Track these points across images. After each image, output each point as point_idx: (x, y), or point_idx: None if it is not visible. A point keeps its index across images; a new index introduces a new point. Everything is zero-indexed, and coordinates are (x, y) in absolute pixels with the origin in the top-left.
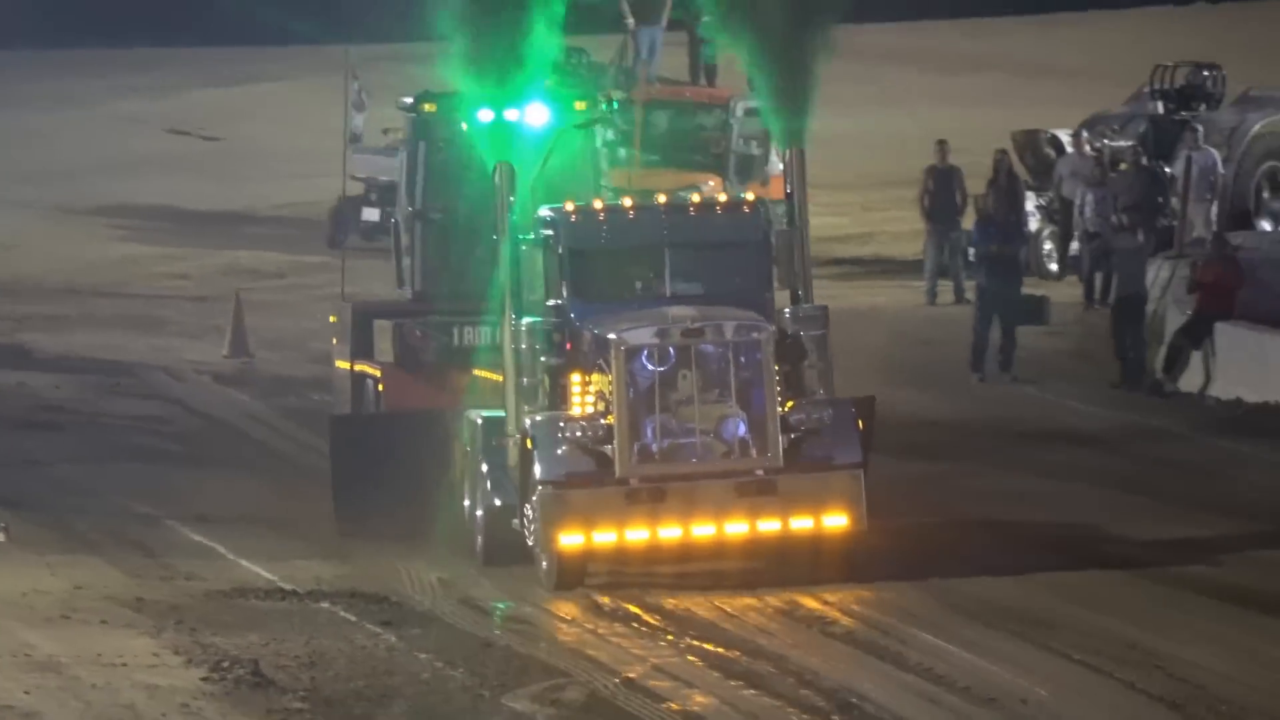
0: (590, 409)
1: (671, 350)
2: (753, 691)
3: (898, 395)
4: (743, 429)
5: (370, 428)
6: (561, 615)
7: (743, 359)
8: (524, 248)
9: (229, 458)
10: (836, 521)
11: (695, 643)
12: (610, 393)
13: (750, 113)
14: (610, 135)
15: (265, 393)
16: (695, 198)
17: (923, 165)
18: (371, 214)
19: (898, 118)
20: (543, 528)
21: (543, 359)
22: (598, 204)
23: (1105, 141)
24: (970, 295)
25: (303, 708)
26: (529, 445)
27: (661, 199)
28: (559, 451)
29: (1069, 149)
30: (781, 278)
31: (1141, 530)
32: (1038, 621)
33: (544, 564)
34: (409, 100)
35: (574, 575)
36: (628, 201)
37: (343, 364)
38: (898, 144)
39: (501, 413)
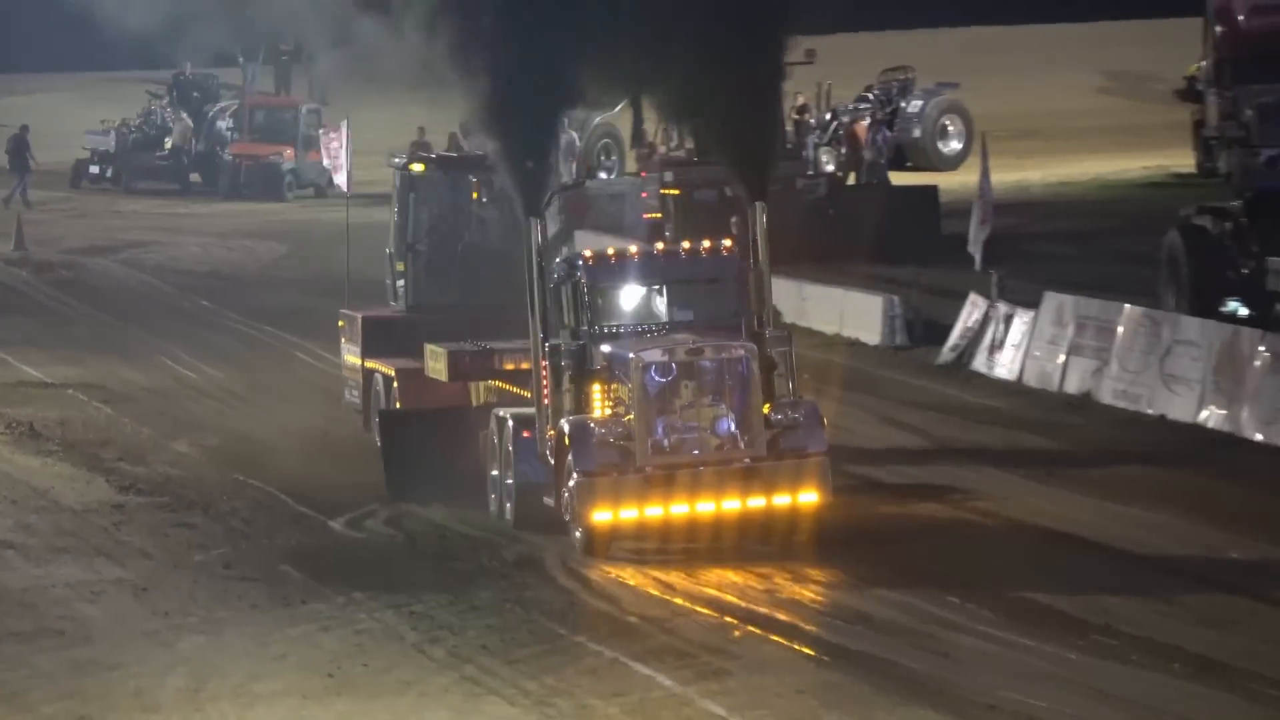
0: (610, 412)
1: (675, 365)
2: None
3: None
4: (731, 426)
5: (412, 420)
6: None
7: (733, 372)
8: (550, 285)
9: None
10: (809, 498)
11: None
12: (629, 399)
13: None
14: None
15: (36, 271)
16: (685, 244)
17: None
18: (94, 169)
19: None
20: (578, 507)
21: (569, 373)
22: (610, 250)
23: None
24: None
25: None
26: (566, 442)
27: (660, 246)
28: (590, 446)
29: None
30: (752, 306)
31: None
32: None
33: (577, 534)
34: (400, 160)
35: (603, 544)
36: (633, 248)
37: (354, 359)
38: None
39: (529, 412)
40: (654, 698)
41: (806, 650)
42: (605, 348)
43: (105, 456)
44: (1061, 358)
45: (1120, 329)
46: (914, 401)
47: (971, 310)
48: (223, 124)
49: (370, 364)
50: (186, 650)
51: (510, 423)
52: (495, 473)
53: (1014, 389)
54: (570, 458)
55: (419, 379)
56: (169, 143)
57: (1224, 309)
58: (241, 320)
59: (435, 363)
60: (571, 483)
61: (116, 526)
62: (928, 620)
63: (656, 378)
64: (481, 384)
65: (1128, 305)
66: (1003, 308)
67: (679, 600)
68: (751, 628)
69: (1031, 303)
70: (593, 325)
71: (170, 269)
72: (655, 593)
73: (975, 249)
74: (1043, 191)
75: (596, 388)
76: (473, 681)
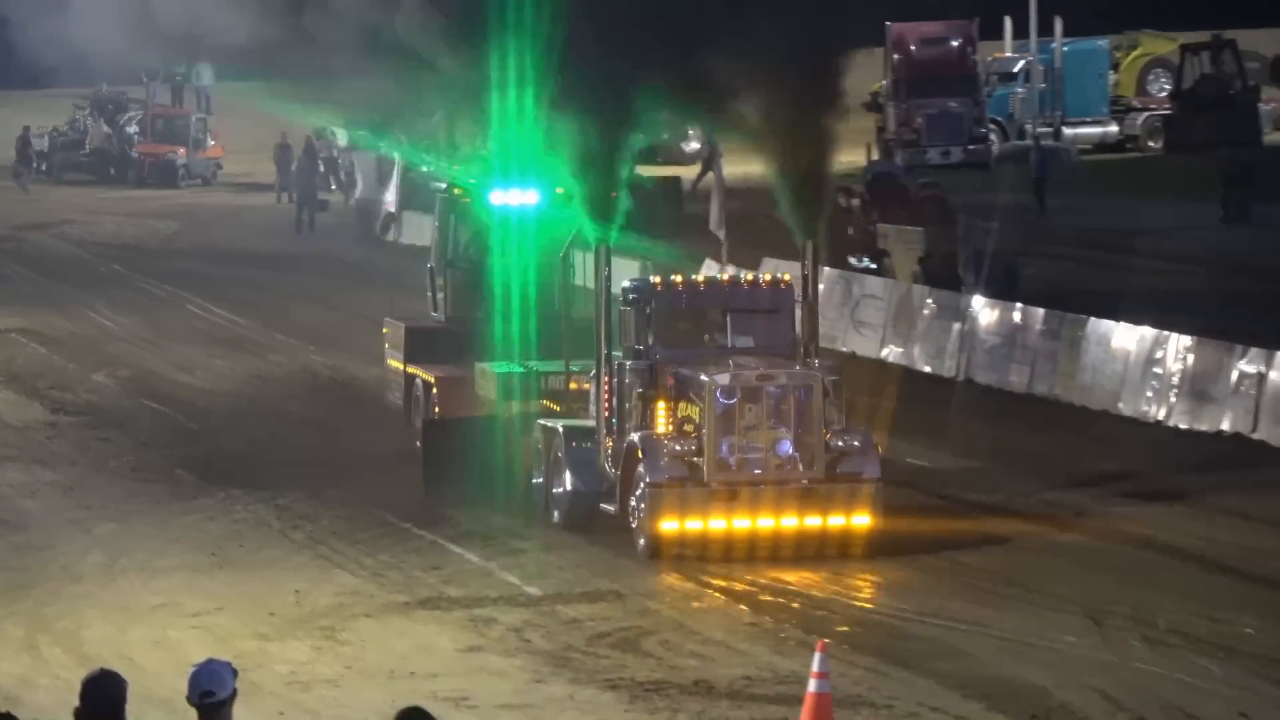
0: (674, 429)
1: (745, 389)
2: None
3: None
4: (790, 448)
5: (455, 428)
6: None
7: (799, 398)
8: (620, 308)
9: None
10: (861, 520)
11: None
12: (699, 418)
13: None
14: None
15: None
16: (749, 276)
17: None
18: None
19: None
20: (647, 516)
21: (637, 390)
22: (678, 277)
23: None
24: None
25: None
26: (638, 455)
27: (725, 275)
28: (661, 461)
29: None
30: (804, 336)
31: None
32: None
33: (642, 542)
34: (443, 185)
35: (667, 552)
36: (700, 277)
37: (396, 364)
38: None
39: (581, 423)
40: (464, 570)
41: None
42: (675, 368)
43: (40, 386)
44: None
45: (822, 285)
46: None
47: (707, 272)
48: (131, 129)
49: (412, 369)
50: (103, 535)
51: (561, 433)
52: (539, 480)
53: None
54: (640, 469)
55: (457, 386)
56: (90, 144)
57: (852, 261)
58: (146, 281)
59: (485, 382)
60: (639, 492)
61: (49, 440)
62: None
63: (725, 399)
64: None
65: (827, 268)
66: (731, 269)
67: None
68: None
69: (753, 266)
70: (659, 346)
71: (91, 241)
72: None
73: (716, 226)
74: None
75: (662, 405)
76: (325, 559)
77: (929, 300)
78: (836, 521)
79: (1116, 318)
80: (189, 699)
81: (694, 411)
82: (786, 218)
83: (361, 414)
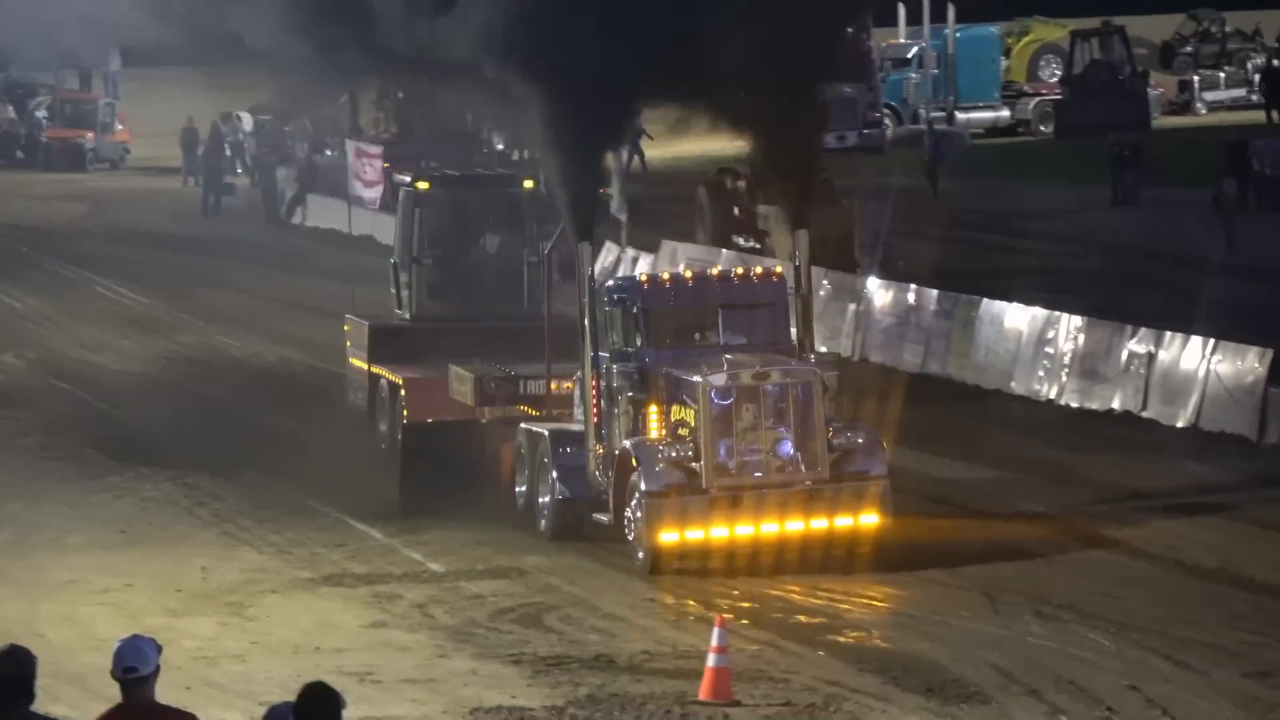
0: (668, 434)
1: (741, 389)
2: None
3: None
4: (791, 449)
5: (434, 432)
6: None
7: (798, 396)
8: (605, 308)
9: None
10: (870, 519)
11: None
12: (694, 421)
13: None
14: None
15: None
16: (739, 270)
17: None
18: None
19: None
20: (645, 527)
21: (629, 394)
22: (665, 274)
23: None
24: None
25: None
26: (632, 463)
27: (714, 271)
28: (658, 468)
29: None
30: (798, 330)
31: None
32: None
33: (640, 554)
34: (408, 179)
35: (667, 564)
36: (688, 273)
37: (359, 363)
38: None
39: (567, 428)
40: (368, 547)
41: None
42: (667, 370)
43: None
44: None
45: (719, 267)
46: None
47: (608, 254)
48: (40, 114)
49: (377, 370)
50: (13, 512)
51: (547, 439)
52: (522, 487)
53: None
54: (635, 478)
55: (428, 388)
56: None
57: (738, 242)
58: (54, 262)
59: (461, 385)
60: (636, 502)
61: None
62: None
63: (721, 400)
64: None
65: (723, 250)
66: (630, 251)
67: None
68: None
69: (652, 248)
70: (649, 347)
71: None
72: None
73: (617, 210)
74: (662, 165)
75: (654, 409)
76: (231, 536)
77: (824, 282)
78: (844, 523)
79: (1009, 298)
80: (113, 674)
81: (688, 415)
82: (776, 206)
83: (266, 393)
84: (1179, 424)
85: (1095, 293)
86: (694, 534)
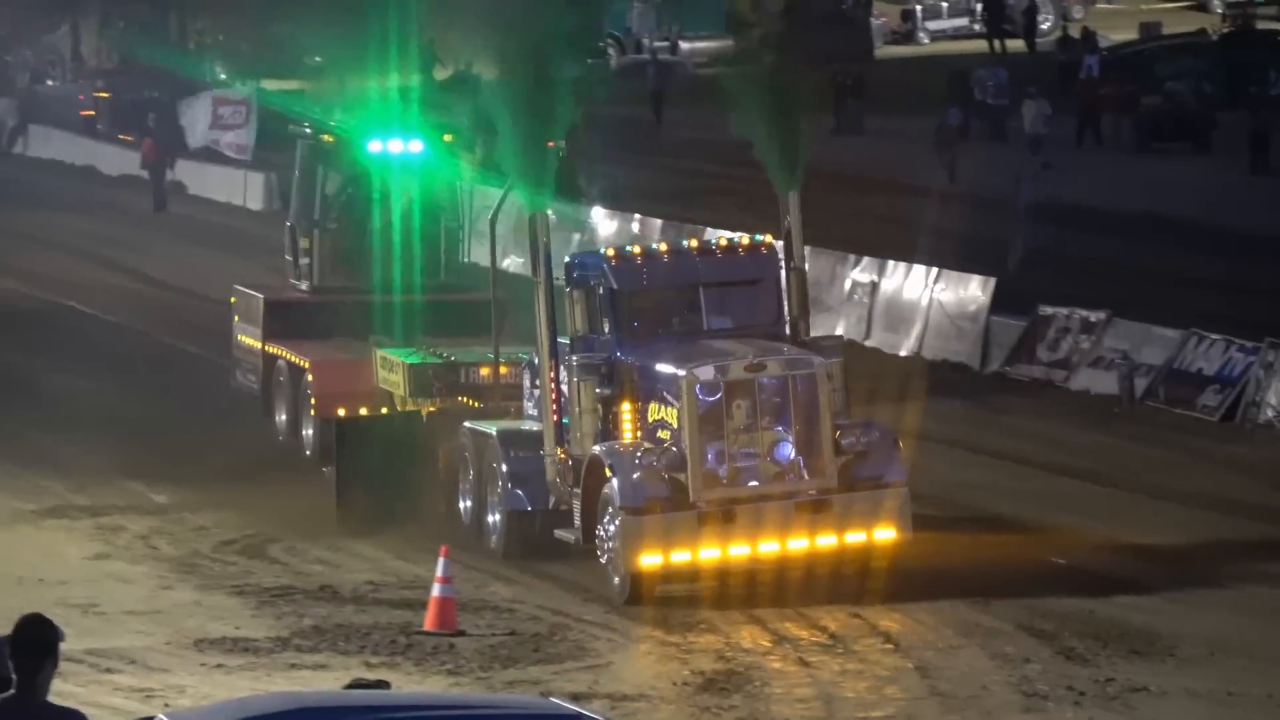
0: (645, 437)
1: (734, 384)
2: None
3: None
4: (792, 452)
5: (372, 428)
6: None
7: (799, 390)
8: (566, 289)
9: None
10: (886, 534)
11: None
12: (676, 422)
13: None
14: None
15: None
16: (722, 241)
17: None
18: None
19: None
20: (622, 549)
21: (598, 390)
22: (636, 249)
23: None
24: None
25: None
26: (606, 473)
27: (693, 243)
28: (636, 478)
29: None
30: (793, 310)
31: None
32: None
33: (616, 579)
34: (307, 129)
35: (649, 591)
36: (663, 246)
37: (251, 341)
38: None
39: (516, 427)
40: (90, 479)
41: None
42: (643, 362)
43: None
44: None
45: None
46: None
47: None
48: None
49: (273, 349)
50: None
51: (496, 440)
52: (467, 502)
53: None
54: (608, 490)
55: (338, 371)
56: None
57: None
58: None
59: (390, 374)
60: (610, 520)
61: None
62: None
63: (707, 397)
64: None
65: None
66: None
67: None
68: None
69: None
70: (619, 335)
71: None
72: None
73: None
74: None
75: (628, 408)
76: None
77: (550, 213)
78: (855, 538)
79: (731, 228)
80: None
81: (669, 414)
82: (766, 167)
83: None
84: (902, 352)
85: (818, 222)
86: (680, 555)
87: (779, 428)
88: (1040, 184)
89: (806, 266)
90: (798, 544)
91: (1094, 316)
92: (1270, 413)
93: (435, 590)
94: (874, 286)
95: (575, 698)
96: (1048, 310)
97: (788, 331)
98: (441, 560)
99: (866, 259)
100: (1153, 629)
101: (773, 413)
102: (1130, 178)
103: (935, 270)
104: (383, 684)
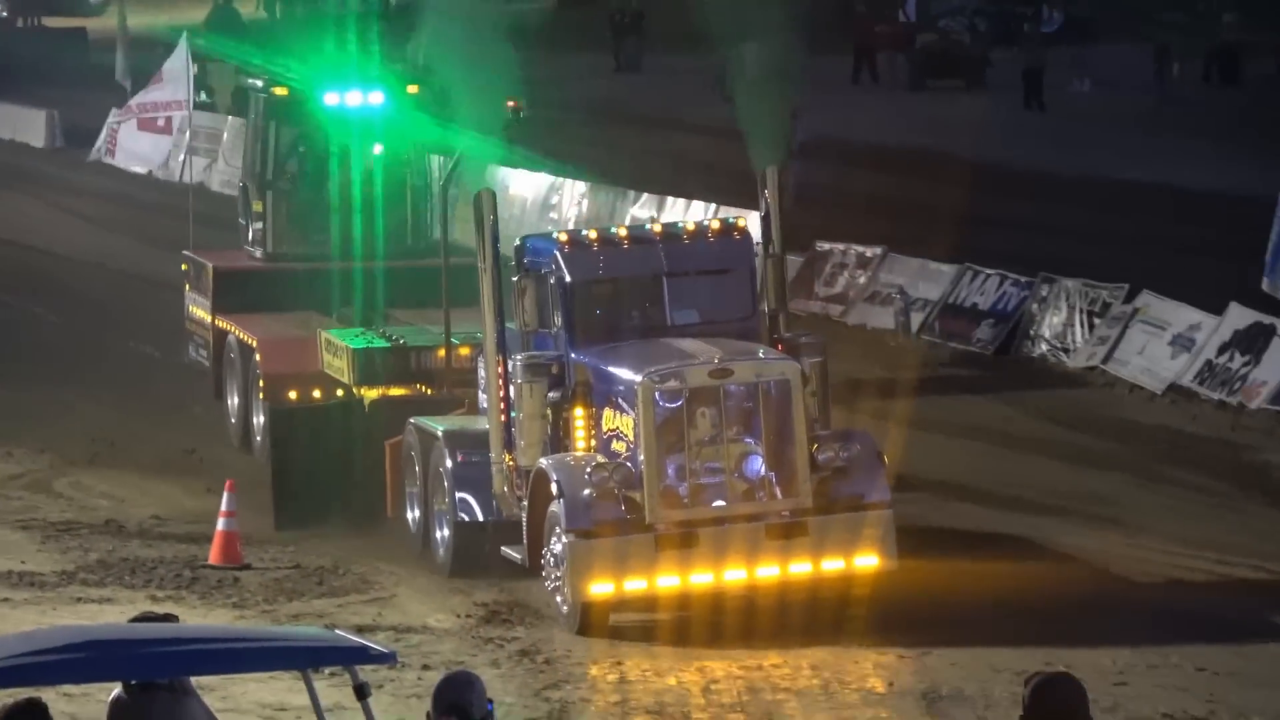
0: (599, 448)
1: (697, 390)
2: None
3: None
4: (763, 467)
5: (307, 419)
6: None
7: (771, 398)
8: (513, 278)
9: None
10: (867, 561)
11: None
12: (632, 433)
13: None
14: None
15: None
16: (689, 225)
17: None
18: None
19: None
20: (571, 577)
21: (549, 394)
22: (592, 234)
23: None
24: None
25: None
26: (552, 490)
27: (656, 227)
28: (585, 495)
29: None
30: (769, 303)
31: None
32: None
33: (565, 608)
34: (259, 83)
35: (600, 621)
36: (622, 231)
37: (201, 313)
38: None
39: (467, 426)
40: None
41: None
42: (596, 363)
43: None
44: (182, 156)
45: (225, 135)
46: (81, 191)
47: (113, 120)
48: None
49: (222, 323)
50: None
51: (442, 440)
52: (415, 512)
53: (145, 180)
54: (555, 509)
55: (286, 350)
56: None
57: None
58: None
59: (335, 359)
60: (558, 544)
61: None
62: None
63: (668, 404)
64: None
65: (223, 115)
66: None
67: None
68: None
69: None
70: (572, 331)
71: None
72: None
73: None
74: None
75: (580, 414)
76: None
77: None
78: (833, 565)
79: (514, 165)
80: None
81: (625, 423)
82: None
83: None
84: None
85: (599, 159)
86: (635, 583)
87: (748, 439)
88: (809, 121)
89: (783, 250)
90: (767, 571)
91: (870, 252)
92: (1044, 346)
93: (220, 525)
94: (653, 221)
95: (360, 630)
96: (824, 246)
97: (764, 326)
98: (226, 495)
99: (646, 195)
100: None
101: (741, 422)
102: (905, 115)
103: (714, 206)
104: (170, 617)
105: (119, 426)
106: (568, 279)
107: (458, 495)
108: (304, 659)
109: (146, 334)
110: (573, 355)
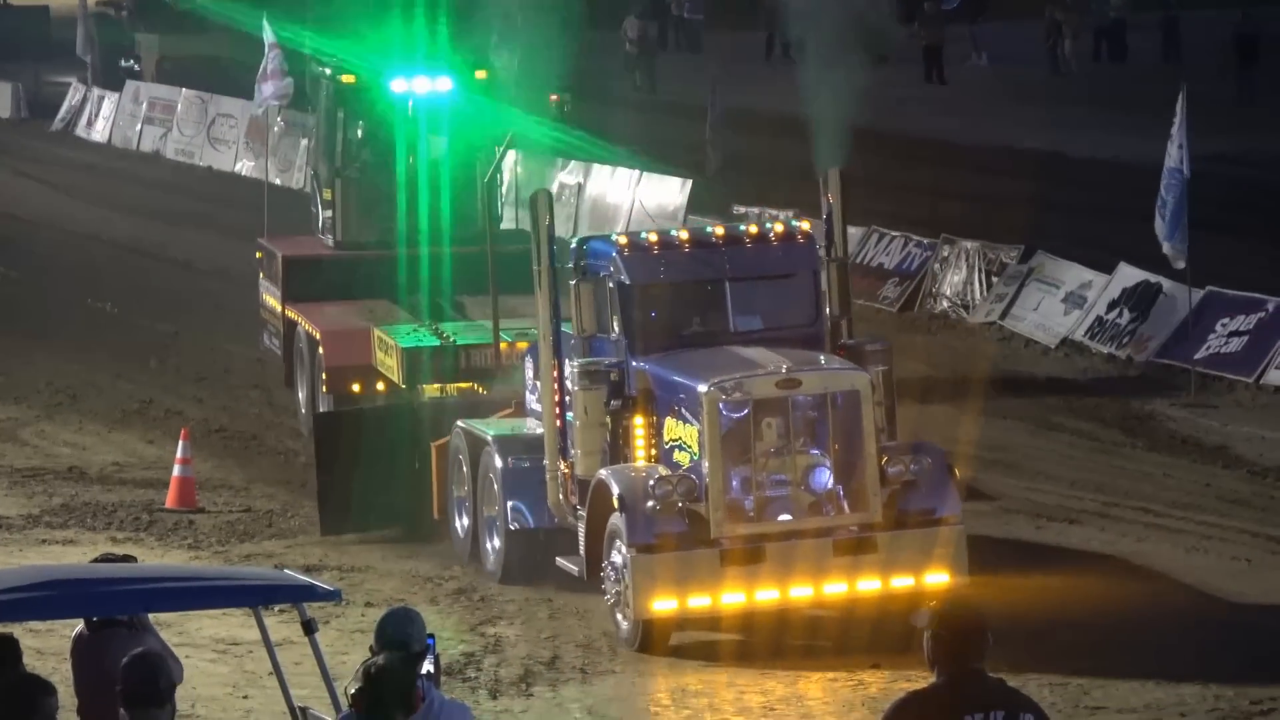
0: (660, 459)
1: (765, 401)
2: None
3: None
4: (830, 480)
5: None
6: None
7: (839, 409)
8: (570, 281)
9: None
10: (938, 579)
11: None
12: (696, 444)
13: None
14: None
15: None
16: (752, 228)
17: None
18: None
19: None
20: (632, 592)
21: (608, 403)
22: (652, 237)
23: None
24: None
25: None
26: (614, 504)
27: (719, 230)
28: (647, 508)
29: None
30: (832, 309)
31: None
32: None
33: (624, 625)
34: (327, 70)
35: (662, 639)
36: (683, 234)
37: (273, 302)
38: None
39: (518, 430)
40: None
41: None
42: (658, 370)
43: None
44: (139, 126)
45: (179, 106)
46: (47, 160)
47: (75, 93)
48: None
49: (291, 313)
50: None
51: (493, 445)
52: (465, 520)
53: (105, 149)
54: (617, 522)
55: (350, 343)
56: None
57: None
58: None
59: (386, 357)
60: (618, 557)
61: None
62: None
63: (733, 414)
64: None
65: (184, 89)
66: (97, 90)
67: None
68: None
69: (116, 87)
70: (632, 337)
71: None
72: None
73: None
74: None
75: (640, 424)
76: None
77: (279, 119)
78: (902, 583)
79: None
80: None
81: (688, 434)
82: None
83: None
84: None
85: None
86: (698, 600)
87: (815, 451)
88: (724, 94)
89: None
90: (835, 588)
91: (782, 215)
92: (945, 303)
93: (176, 470)
94: (580, 188)
95: (307, 569)
96: (740, 209)
97: (827, 333)
98: (181, 443)
99: (574, 162)
100: None
101: (808, 434)
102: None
103: (638, 173)
104: (129, 558)
105: (80, 378)
106: (627, 282)
107: (509, 502)
108: (255, 597)
109: (106, 292)
110: (633, 362)
